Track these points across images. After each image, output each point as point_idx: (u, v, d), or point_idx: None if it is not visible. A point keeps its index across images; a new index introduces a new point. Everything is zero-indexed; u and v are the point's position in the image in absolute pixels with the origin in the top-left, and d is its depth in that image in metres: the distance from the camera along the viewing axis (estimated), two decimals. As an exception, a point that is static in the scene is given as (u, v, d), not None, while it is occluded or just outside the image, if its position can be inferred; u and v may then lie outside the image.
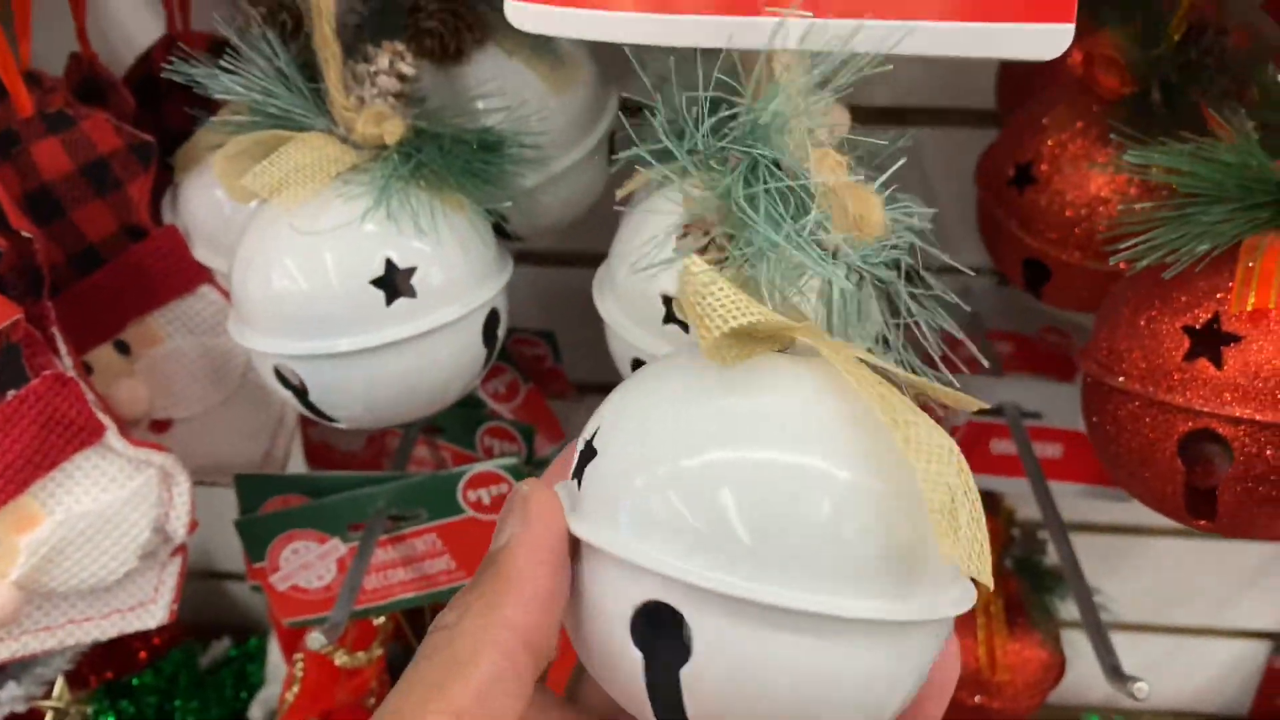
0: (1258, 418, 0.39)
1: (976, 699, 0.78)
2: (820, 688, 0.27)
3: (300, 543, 0.64)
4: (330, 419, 0.50)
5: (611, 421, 0.31)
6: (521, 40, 0.57)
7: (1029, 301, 0.67)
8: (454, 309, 0.48)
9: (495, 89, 0.56)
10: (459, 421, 0.72)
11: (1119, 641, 0.57)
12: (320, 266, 0.46)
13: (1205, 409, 0.40)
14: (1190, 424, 0.41)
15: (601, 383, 0.50)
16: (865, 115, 0.90)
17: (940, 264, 0.36)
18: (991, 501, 0.80)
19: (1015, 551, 0.80)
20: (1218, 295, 0.41)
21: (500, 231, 0.57)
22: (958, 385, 0.33)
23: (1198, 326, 0.41)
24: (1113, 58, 0.56)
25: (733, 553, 0.27)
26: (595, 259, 0.53)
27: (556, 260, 0.84)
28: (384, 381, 0.48)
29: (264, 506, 0.64)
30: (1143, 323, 0.42)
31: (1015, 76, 0.70)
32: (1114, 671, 0.51)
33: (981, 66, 0.73)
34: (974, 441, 0.75)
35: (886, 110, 0.85)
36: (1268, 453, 0.39)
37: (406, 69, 0.48)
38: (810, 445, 0.28)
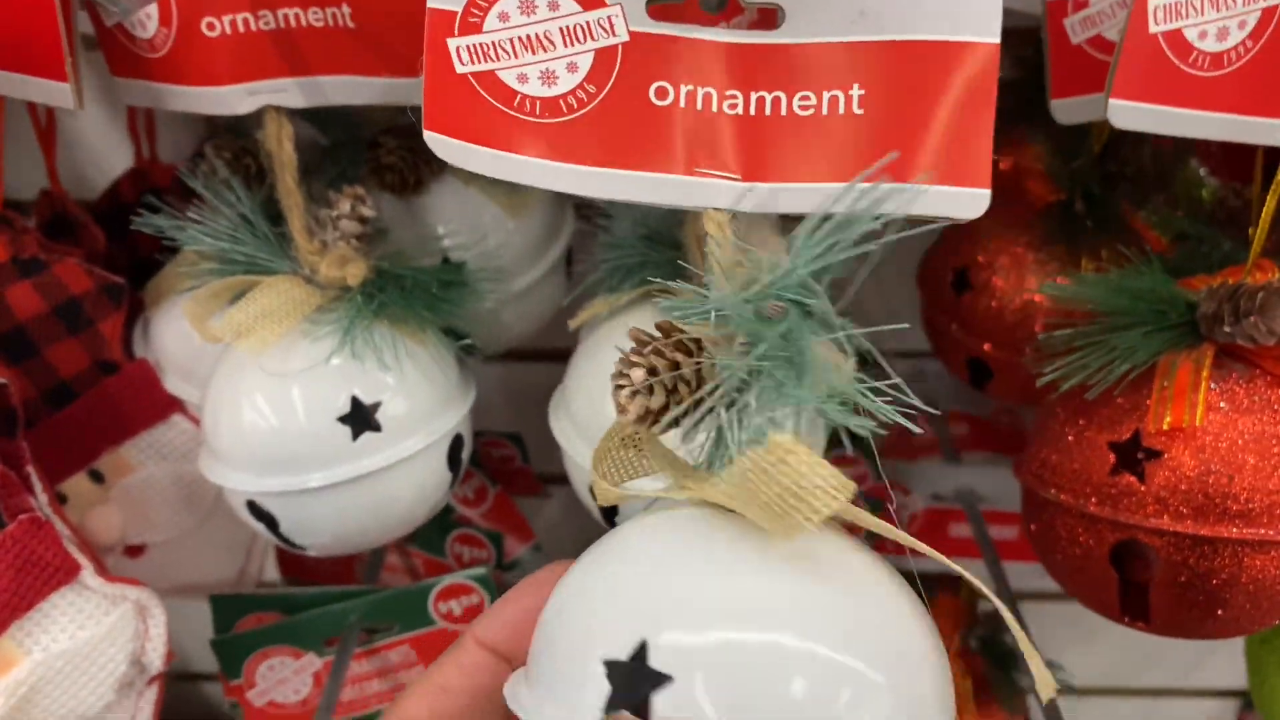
0: (1178, 529, 0.42)
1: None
2: None
3: (276, 659, 0.65)
4: (300, 548, 0.52)
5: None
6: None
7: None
8: (418, 439, 0.50)
9: (454, 217, 0.58)
10: (429, 529, 0.73)
11: (1089, 706, 0.58)
12: (289, 405, 0.48)
13: (1131, 521, 0.42)
14: (1119, 535, 0.43)
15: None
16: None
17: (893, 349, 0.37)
18: (952, 584, 0.82)
19: (979, 632, 0.82)
20: (1138, 413, 0.43)
21: (461, 344, 0.59)
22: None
23: (1120, 441, 0.43)
24: (1037, 169, 0.59)
25: None
26: (562, 354, 0.55)
27: (521, 357, 0.86)
28: (352, 512, 0.50)
29: (239, 625, 0.65)
30: (1071, 438, 0.45)
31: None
32: None
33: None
34: (933, 526, 0.77)
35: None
36: (1190, 560, 0.42)
37: (367, 211, 0.51)
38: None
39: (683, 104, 0.36)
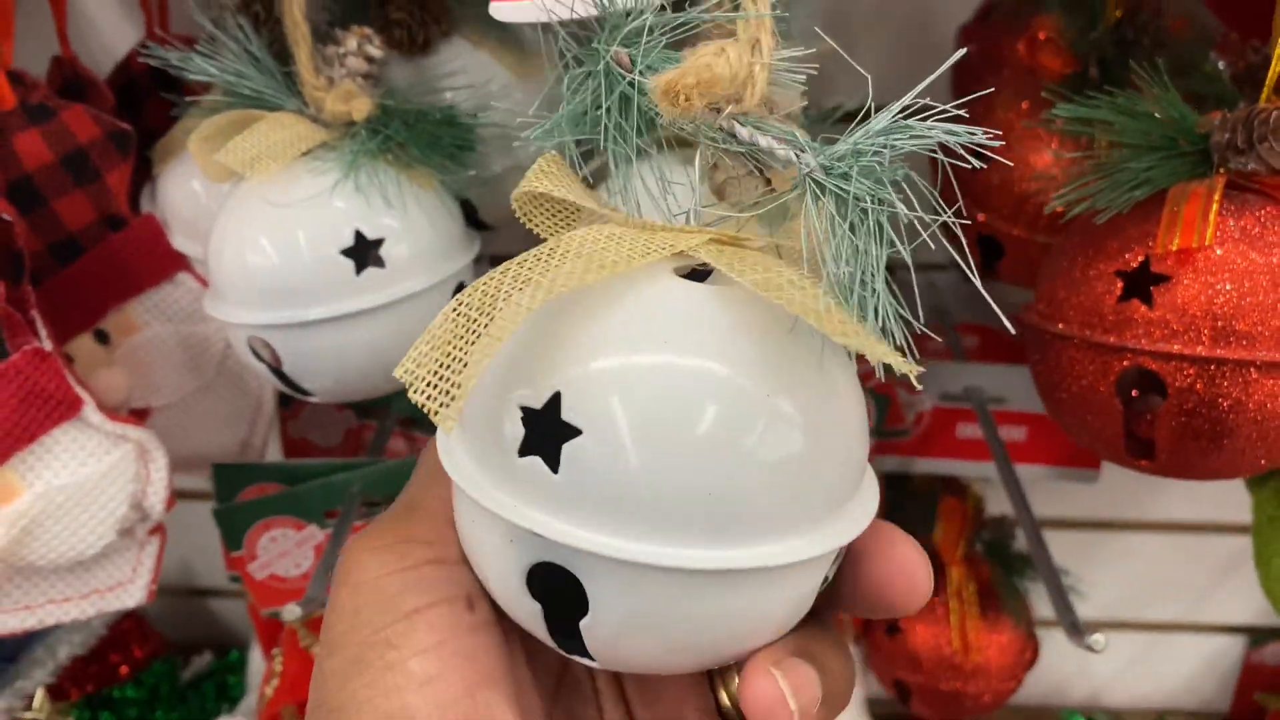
0: (1186, 352, 0.41)
1: (952, 684, 0.79)
2: (718, 626, 0.28)
3: (278, 530, 0.65)
4: (304, 391, 0.52)
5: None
6: (488, 31, 0.59)
7: (994, 294, 0.69)
8: (421, 279, 0.50)
9: (462, 79, 0.58)
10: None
11: None
12: (291, 239, 0.48)
13: (1138, 346, 0.42)
14: (1125, 362, 0.43)
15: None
16: (824, 119, 0.93)
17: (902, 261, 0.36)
18: (959, 486, 0.81)
19: (985, 536, 0.82)
20: (1147, 241, 0.43)
21: (471, 220, 0.59)
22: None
23: (1129, 270, 0.43)
24: (1053, 39, 0.58)
25: (624, 514, 0.26)
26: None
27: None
28: (354, 351, 0.50)
29: (241, 495, 0.65)
30: (1078, 271, 0.44)
31: (970, 72, 0.73)
32: (1072, 627, 0.53)
33: (936, 61, 0.76)
34: (940, 426, 0.77)
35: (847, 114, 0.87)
36: (1198, 386, 0.41)
37: (374, 51, 0.50)
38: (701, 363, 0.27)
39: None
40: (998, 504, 0.83)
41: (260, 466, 0.64)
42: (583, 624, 0.28)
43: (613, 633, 0.28)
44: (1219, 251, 0.41)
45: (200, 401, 0.64)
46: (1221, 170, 0.43)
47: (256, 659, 0.89)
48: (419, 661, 0.29)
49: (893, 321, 0.32)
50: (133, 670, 0.94)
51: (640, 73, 0.32)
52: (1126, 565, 1.06)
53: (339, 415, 0.76)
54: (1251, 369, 0.40)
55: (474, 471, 0.29)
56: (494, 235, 0.66)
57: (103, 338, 0.61)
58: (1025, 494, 0.69)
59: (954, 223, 0.32)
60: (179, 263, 0.60)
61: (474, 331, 0.28)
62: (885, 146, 0.34)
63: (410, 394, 0.27)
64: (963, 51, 0.33)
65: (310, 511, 0.64)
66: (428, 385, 0.27)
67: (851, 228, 0.34)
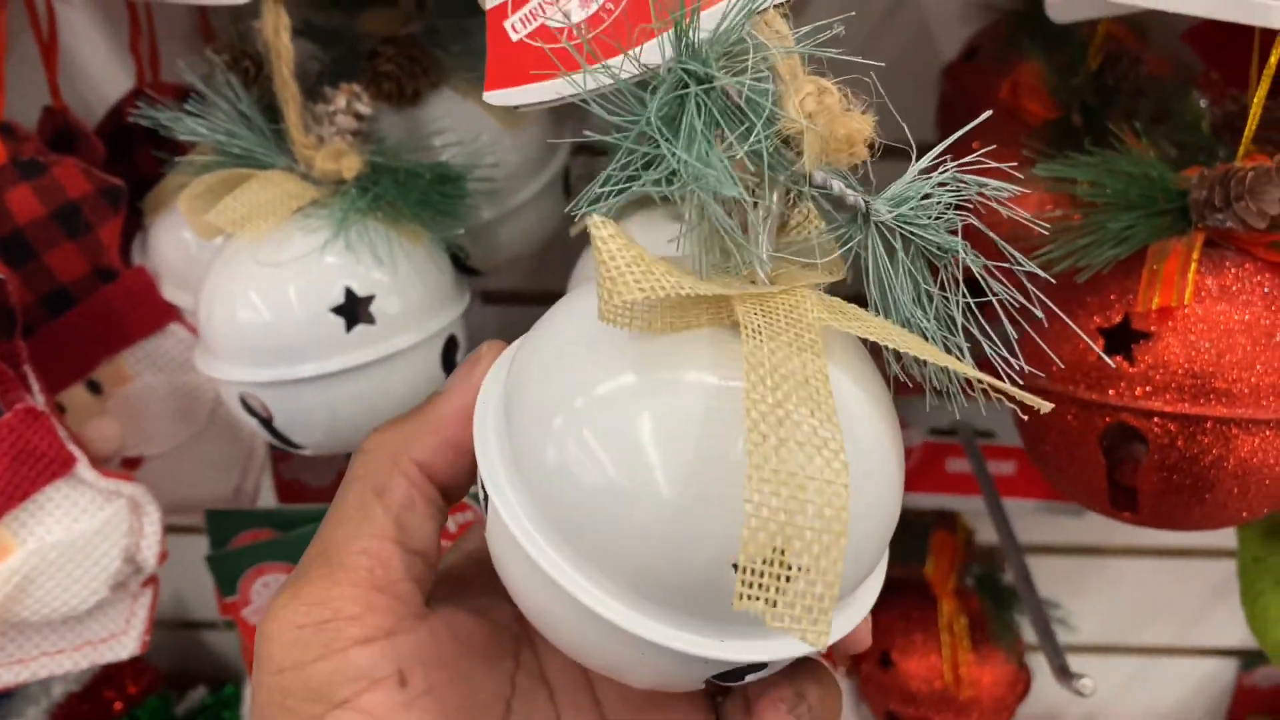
0: (1168, 409, 0.42)
1: (945, 716, 0.80)
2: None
3: (271, 575, 0.66)
4: (295, 445, 0.52)
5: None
6: (476, 82, 0.59)
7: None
8: (411, 335, 0.50)
9: (451, 130, 0.58)
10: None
11: (1087, 663, 0.59)
12: (283, 296, 0.48)
13: (1121, 404, 0.42)
14: (1108, 419, 0.43)
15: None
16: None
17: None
18: (949, 520, 0.82)
19: (976, 570, 0.82)
20: (1128, 297, 0.43)
21: (461, 266, 0.60)
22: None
23: (1110, 326, 0.43)
24: (1035, 85, 0.59)
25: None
26: (559, 296, 0.55)
27: (521, 300, 0.86)
28: (346, 407, 0.50)
29: (234, 541, 0.65)
30: (1060, 326, 0.45)
31: (953, 110, 0.74)
32: (1061, 671, 0.53)
33: (924, 101, 0.76)
34: (930, 461, 0.77)
35: None
36: (1179, 442, 0.42)
37: (363, 108, 0.51)
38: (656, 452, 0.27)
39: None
40: (988, 534, 0.84)
41: (253, 513, 0.65)
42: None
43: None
44: (1198, 309, 0.42)
45: (193, 449, 0.64)
46: (1200, 227, 0.44)
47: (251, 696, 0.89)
48: None
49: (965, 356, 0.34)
50: (127, 706, 0.93)
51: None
52: (1117, 590, 1.06)
53: (331, 456, 0.77)
54: (1232, 426, 0.41)
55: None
56: (485, 277, 0.66)
57: (95, 388, 0.61)
58: (1013, 530, 0.70)
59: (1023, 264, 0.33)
60: (170, 313, 0.60)
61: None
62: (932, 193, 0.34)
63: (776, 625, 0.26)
64: (987, 114, 0.34)
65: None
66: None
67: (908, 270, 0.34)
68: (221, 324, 0.50)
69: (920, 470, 0.77)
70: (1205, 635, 1.09)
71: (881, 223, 0.32)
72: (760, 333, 0.29)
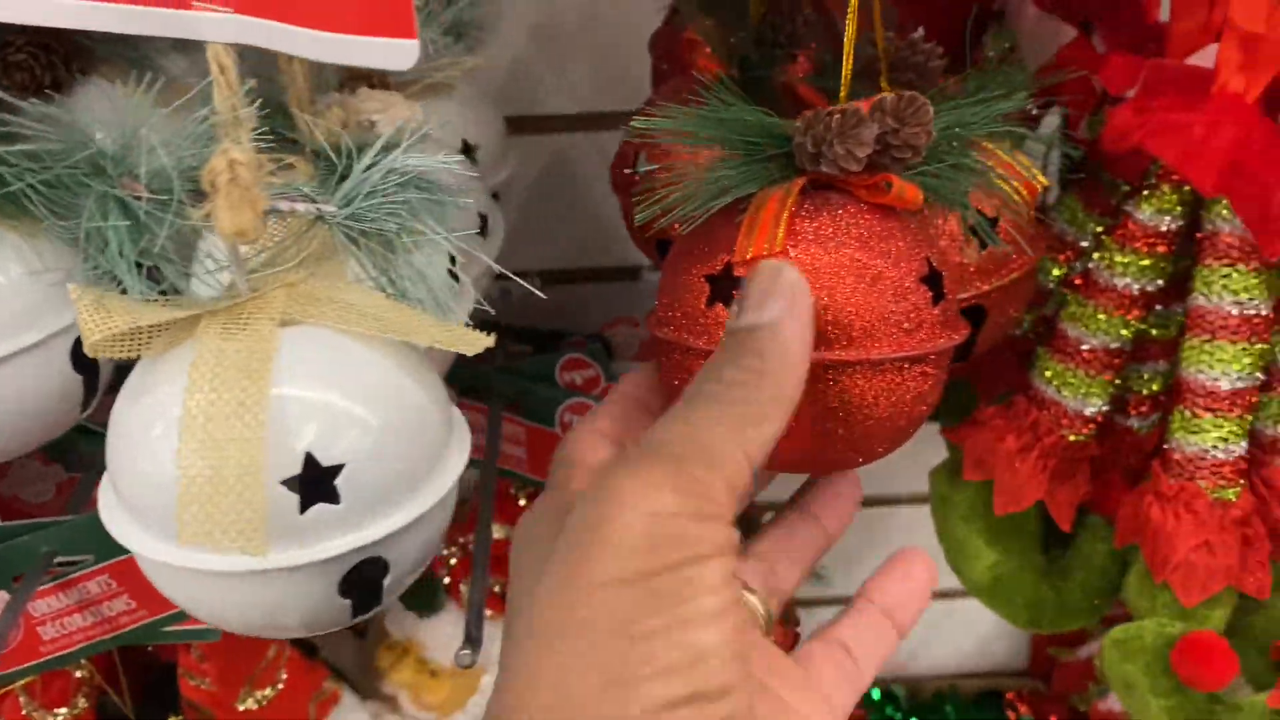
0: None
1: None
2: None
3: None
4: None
5: None
6: (127, 68, 0.57)
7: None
8: (32, 334, 0.48)
9: (106, 117, 0.56)
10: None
11: None
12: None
13: (725, 351, 0.42)
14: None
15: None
16: (531, 124, 0.94)
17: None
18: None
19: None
20: (730, 246, 0.43)
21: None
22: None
23: (714, 275, 0.43)
24: (698, 41, 0.59)
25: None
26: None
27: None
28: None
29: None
30: (678, 276, 0.45)
31: (661, 75, 0.74)
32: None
33: (640, 68, 0.76)
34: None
35: (552, 117, 0.88)
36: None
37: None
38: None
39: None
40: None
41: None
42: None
43: None
44: (792, 254, 0.42)
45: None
46: (803, 173, 0.44)
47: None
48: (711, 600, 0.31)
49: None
50: None
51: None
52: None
53: (48, 469, 0.73)
54: (829, 370, 0.41)
55: None
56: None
57: None
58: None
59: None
60: None
61: None
62: (390, 178, 0.38)
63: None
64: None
65: (-2, 577, 0.61)
66: None
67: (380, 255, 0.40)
68: None
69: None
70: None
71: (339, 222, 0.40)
72: (212, 338, 0.39)
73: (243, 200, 0.37)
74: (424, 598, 0.83)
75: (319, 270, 0.43)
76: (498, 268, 0.51)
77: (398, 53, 0.36)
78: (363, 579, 0.40)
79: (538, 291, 0.49)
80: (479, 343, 0.41)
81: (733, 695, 0.31)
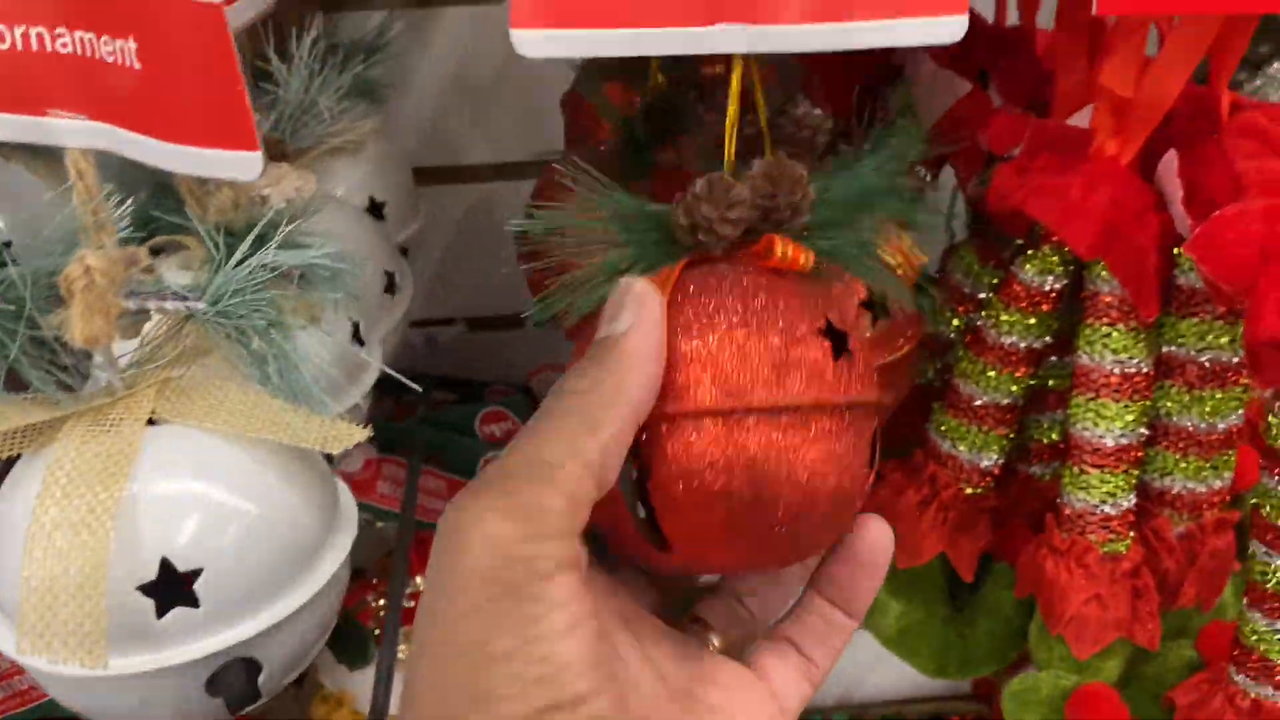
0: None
1: None
2: None
3: None
4: None
5: None
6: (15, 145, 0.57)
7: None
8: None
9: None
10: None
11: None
12: None
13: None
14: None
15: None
16: (452, 173, 0.94)
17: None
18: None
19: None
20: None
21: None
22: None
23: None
24: (592, 110, 0.60)
25: None
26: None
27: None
28: None
29: None
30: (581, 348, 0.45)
31: (570, 137, 0.74)
32: None
33: (556, 120, 0.77)
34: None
35: (474, 167, 0.89)
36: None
37: None
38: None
39: (19, 45, 0.36)
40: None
41: None
42: None
43: None
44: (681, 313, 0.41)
45: None
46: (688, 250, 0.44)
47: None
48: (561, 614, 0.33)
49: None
50: None
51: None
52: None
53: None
54: (731, 427, 0.39)
55: None
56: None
57: None
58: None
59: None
60: None
61: None
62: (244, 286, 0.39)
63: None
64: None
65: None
66: None
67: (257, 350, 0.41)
68: None
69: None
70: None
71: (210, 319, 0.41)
72: (75, 440, 0.39)
73: (95, 307, 0.37)
74: (353, 651, 0.83)
75: (202, 364, 0.44)
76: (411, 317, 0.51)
77: (242, 164, 0.36)
78: (233, 678, 0.40)
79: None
80: (348, 439, 0.41)
81: (592, 701, 0.32)
